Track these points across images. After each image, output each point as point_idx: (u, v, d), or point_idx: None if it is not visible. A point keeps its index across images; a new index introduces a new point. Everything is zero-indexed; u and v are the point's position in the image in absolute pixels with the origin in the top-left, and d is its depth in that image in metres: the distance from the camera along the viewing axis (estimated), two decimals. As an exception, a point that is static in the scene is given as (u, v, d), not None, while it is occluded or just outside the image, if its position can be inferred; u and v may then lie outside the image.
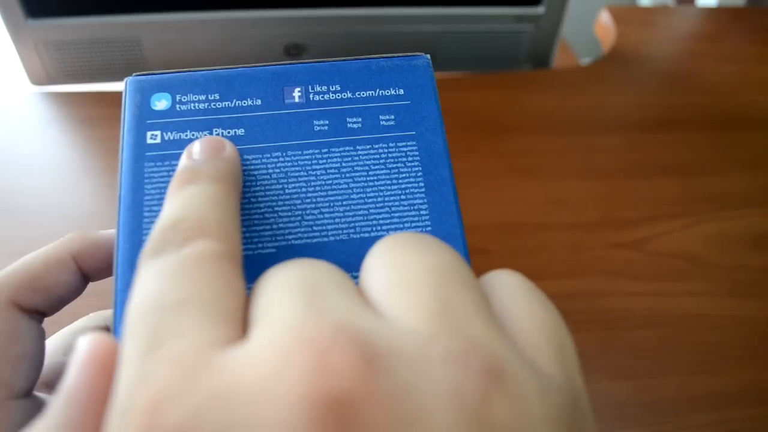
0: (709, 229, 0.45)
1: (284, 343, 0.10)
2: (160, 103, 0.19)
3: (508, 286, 0.13)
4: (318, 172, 0.19)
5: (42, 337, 0.20)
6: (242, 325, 0.12)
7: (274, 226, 0.18)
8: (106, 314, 0.23)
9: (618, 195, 0.47)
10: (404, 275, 0.12)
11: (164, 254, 0.13)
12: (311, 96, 0.20)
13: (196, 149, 0.17)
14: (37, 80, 0.55)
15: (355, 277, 0.17)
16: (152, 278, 0.12)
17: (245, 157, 0.19)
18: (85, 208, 0.44)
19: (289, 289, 0.12)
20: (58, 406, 0.12)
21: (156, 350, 0.11)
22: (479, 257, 0.42)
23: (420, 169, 0.19)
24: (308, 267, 0.13)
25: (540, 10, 0.56)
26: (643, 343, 0.38)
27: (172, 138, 0.19)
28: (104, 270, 0.20)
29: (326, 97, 0.20)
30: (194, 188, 0.15)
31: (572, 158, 0.50)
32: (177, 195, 0.15)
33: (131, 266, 0.17)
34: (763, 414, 0.35)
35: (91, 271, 0.20)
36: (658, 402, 0.35)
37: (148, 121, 0.19)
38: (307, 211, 0.18)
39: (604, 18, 0.69)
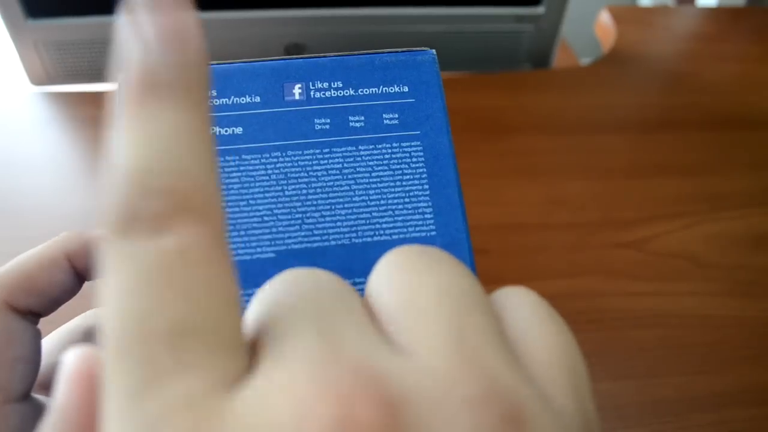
0: (709, 229, 0.45)
1: (303, 388, 0.09)
2: None
3: (522, 308, 0.12)
4: (319, 173, 0.18)
5: (37, 338, 0.19)
6: (246, 349, 0.10)
7: (273, 230, 0.17)
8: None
9: (618, 195, 0.47)
10: (415, 300, 0.11)
11: (135, 238, 0.10)
12: (312, 93, 0.19)
13: (150, 32, 0.11)
14: (37, 80, 0.55)
15: (357, 284, 0.17)
16: (132, 286, 0.09)
17: (243, 156, 0.18)
18: (85, 208, 0.44)
19: (298, 316, 0.11)
20: (48, 429, 0.11)
21: (148, 398, 0.09)
22: (479, 257, 0.42)
23: (425, 170, 0.18)
24: (314, 285, 0.11)
25: (540, 10, 0.56)
26: (643, 343, 0.38)
27: None
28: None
29: (328, 94, 0.19)
30: (160, 114, 0.10)
31: (572, 158, 0.50)
32: (136, 120, 0.10)
33: None
34: (763, 414, 0.35)
35: (86, 271, 0.20)
36: (658, 402, 0.35)
37: None
38: (308, 214, 0.17)
39: (604, 18, 0.69)
